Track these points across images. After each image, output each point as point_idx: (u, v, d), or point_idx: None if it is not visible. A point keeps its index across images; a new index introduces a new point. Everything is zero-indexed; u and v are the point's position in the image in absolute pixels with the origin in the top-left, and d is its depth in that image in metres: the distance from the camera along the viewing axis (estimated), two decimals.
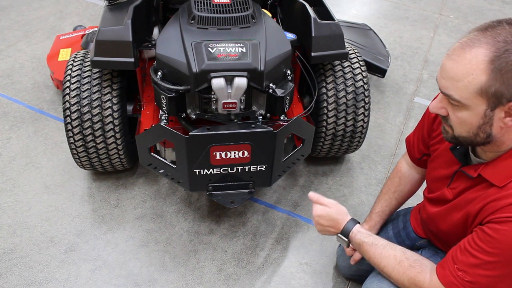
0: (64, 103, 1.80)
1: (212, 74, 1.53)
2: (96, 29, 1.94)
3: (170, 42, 1.66)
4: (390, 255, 1.21)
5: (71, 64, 1.89)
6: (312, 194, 1.39)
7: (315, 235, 1.96)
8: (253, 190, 1.77)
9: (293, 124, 1.64)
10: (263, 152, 1.63)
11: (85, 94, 1.79)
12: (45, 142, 2.38)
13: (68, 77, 1.84)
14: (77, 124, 1.80)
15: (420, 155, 1.43)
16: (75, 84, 1.81)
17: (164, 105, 1.65)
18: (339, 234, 1.36)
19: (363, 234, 1.30)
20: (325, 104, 1.95)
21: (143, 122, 1.86)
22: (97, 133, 1.82)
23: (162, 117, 1.83)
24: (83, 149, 1.86)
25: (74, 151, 1.88)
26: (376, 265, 1.25)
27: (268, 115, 1.74)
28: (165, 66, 1.63)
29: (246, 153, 1.62)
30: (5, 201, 2.03)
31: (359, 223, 1.36)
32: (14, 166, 2.22)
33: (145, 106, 1.95)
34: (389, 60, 2.86)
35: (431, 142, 1.34)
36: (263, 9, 1.94)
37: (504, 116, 0.95)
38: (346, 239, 1.34)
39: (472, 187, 1.11)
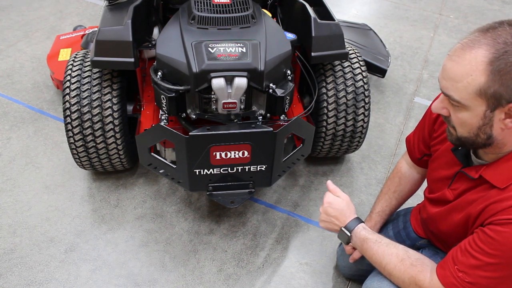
0: (64, 103, 1.80)
1: (212, 74, 1.53)
2: (96, 29, 1.94)
3: (170, 42, 1.66)
4: (392, 253, 1.21)
5: (71, 64, 1.89)
6: (330, 183, 1.43)
7: (315, 235, 1.96)
8: (253, 190, 1.77)
9: (293, 124, 1.64)
10: (263, 152, 1.63)
11: (85, 94, 1.79)
12: (45, 142, 2.38)
13: (68, 77, 1.84)
14: (77, 124, 1.80)
15: (421, 155, 1.43)
16: (75, 84, 1.81)
17: (164, 105, 1.65)
18: (342, 228, 1.35)
19: (368, 231, 1.31)
20: (325, 104, 1.95)
21: (143, 122, 1.86)
22: (97, 133, 1.82)
23: (162, 117, 1.83)
24: (83, 149, 1.86)
25: (74, 151, 1.88)
26: (378, 263, 1.25)
27: (268, 115, 1.73)
28: (165, 66, 1.63)
29: (246, 153, 1.62)
30: (5, 201, 2.03)
31: (363, 222, 1.36)
32: (14, 166, 2.22)
33: (145, 106, 1.95)
34: (389, 60, 2.86)
35: (432, 143, 1.33)
36: (263, 9, 1.94)
37: (504, 118, 0.95)
38: (349, 234, 1.33)
39: (473, 188, 1.11)
